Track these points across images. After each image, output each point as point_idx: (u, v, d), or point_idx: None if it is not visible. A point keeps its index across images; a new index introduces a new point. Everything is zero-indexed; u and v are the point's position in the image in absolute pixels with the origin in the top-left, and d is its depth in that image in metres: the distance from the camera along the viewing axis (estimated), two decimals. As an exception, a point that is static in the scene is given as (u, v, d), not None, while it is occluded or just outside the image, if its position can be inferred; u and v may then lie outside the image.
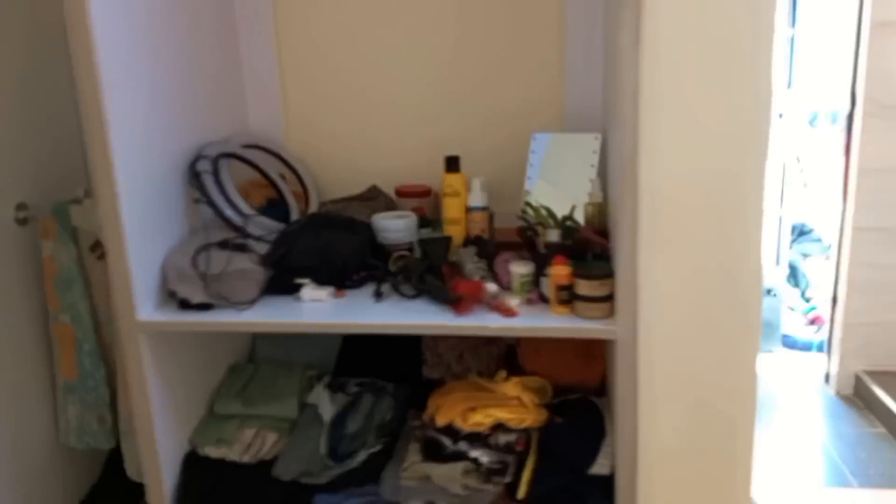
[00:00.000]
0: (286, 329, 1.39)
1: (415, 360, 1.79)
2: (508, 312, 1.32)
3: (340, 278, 1.50)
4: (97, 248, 1.68)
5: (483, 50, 1.77)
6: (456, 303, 1.35)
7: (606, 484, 1.37)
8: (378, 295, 1.46)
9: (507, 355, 1.78)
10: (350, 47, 1.82)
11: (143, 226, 1.38)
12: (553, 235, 1.38)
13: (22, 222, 1.70)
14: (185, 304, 1.41)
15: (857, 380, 2.95)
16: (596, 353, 1.66)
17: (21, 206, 1.70)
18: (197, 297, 1.40)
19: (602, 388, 1.65)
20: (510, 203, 1.69)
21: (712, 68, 1.11)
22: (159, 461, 1.46)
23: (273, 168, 1.76)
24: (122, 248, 1.33)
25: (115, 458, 1.98)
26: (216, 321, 1.39)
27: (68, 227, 1.67)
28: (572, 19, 1.70)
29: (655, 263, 1.20)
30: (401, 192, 1.81)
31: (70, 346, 1.72)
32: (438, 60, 1.80)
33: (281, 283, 1.47)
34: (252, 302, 1.43)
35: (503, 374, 1.52)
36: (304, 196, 1.82)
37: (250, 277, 1.44)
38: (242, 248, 1.49)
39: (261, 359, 1.85)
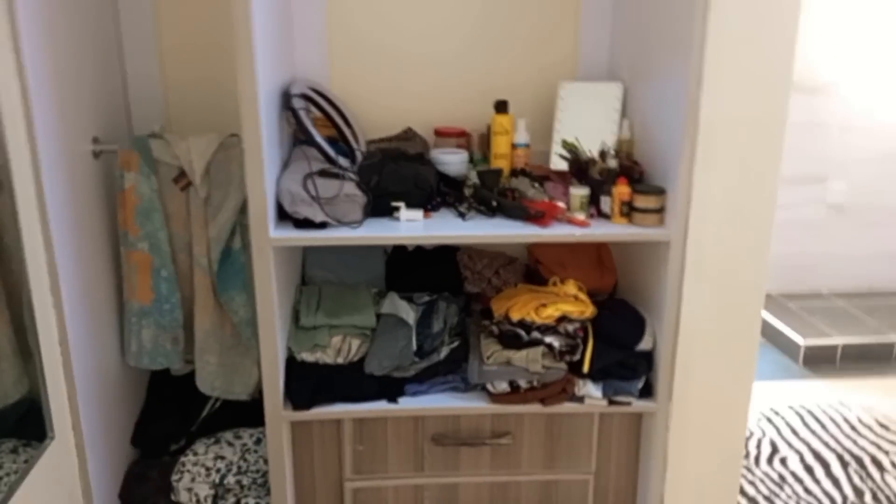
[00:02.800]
0: (395, 242, 1.65)
1: (454, 278, 2.08)
2: (583, 223, 1.67)
3: (425, 203, 1.76)
4: (180, 179, 1.81)
5: (508, 9, 2.06)
6: (537, 218, 1.67)
7: (650, 357, 1.77)
8: (461, 214, 1.74)
9: (526, 272, 2.13)
10: (391, 8, 2.04)
11: (269, 156, 1.57)
12: (612, 163, 1.73)
13: (97, 155, 1.79)
14: (305, 224, 1.62)
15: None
16: (609, 265, 2.05)
17: (96, 140, 1.78)
18: (318, 217, 1.62)
19: (614, 293, 2.04)
20: (534, 143, 2.01)
21: (759, 28, 1.50)
22: (278, 365, 1.67)
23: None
24: (261, 176, 1.52)
25: (158, 382, 2.12)
26: (337, 236, 1.62)
27: (149, 159, 1.79)
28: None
29: (706, 181, 1.58)
30: (441, 133, 2.08)
31: (147, 272, 1.85)
32: (467, 16, 2.07)
33: (377, 207, 1.71)
34: (360, 222, 1.67)
35: (556, 278, 1.86)
36: (354, 136, 2.03)
37: (355, 201, 1.67)
38: (339, 177, 1.71)
39: (311, 280, 2.05)
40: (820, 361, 3.29)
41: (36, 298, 1.51)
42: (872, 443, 2.67)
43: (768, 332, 3.48)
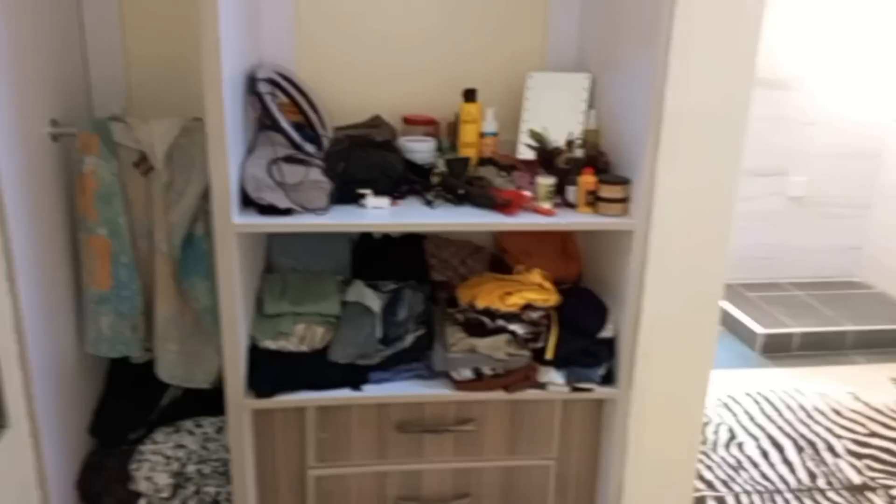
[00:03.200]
0: (360, 229, 1.65)
1: (420, 266, 2.08)
2: (548, 212, 1.68)
3: (392, 190, 1.76)
4: (141, 164, 1.77)
5: (473, 5, 2.06)
6: (504, 207, 1.68)
7: (612, 345, 1.79)
8: (428, 202, 1.74)
9: (492, 261, 2.13)
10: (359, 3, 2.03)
11: (232, 141, 1.55)
12: (579, 153, 1.74)
13: (55, 138, 1.74)
14: (270, 210, 1.60)
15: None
16: (573, 254, 2.06)
17: (54, 123, 1.74)
18: (282, 203, 1.60)
19: (579, 281, 2.06)
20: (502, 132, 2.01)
21: (724, 21, 1.52)
22: (239, 352, 1.66)
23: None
24: (225, 162, 1.50)
25: (117, 370, 2.09)
26: (302, 223, 1.60)
27: (110, 143, 1.75)
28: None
29: (669, 172, 1.61)
30: (409, 121, 2.07)
31: (106, 258, 1.81)
32: (437, 3, 2.06)
33: (343, 194, 1.70)
34: (325, 209, 1.65)
35: (521, 267, 1.87)
36: (321, 122, 2.01)
37: (321, 188, 1.66)
38: (305, 163, 1.69)
39: (276, 267, 2.04)
40: (777, 350, 3.37)
41: (-10, 283, 1.47)
42: (826, 428, 2.75)
43: (727, 321, 3.56)
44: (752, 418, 2.81)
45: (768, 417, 2.82)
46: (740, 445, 2.63)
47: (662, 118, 1.57)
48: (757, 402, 2.92)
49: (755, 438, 2.67)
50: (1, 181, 1.45)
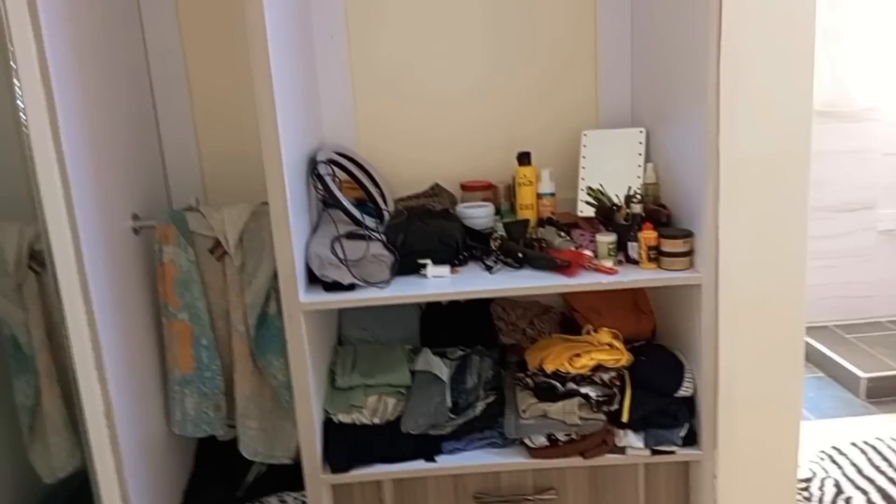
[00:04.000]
0: (422, 299, 1.67)
1: (487, 330, 2.08)
2: (611, 271, 1.66)
3: (452, 258, 1.78)
4: (216, 249, 1.87)
5: (528, 61, 2.10)
6: (564, 268, 1.67)
7: (691, 404, 1.73)
8: (489, 268, 1.75)
9: (562, 321, 2.11)
10: (412, 69, 2.10)
11: (296, 223, 1.61)
12: (637, 209, 1.72)
13: (136, 231, 1.86)
14: (334, 287, 1.65)
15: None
16: (646, 310, 2.02)
17: (135, 217, 1.86)
18: (346, 279, 1.65)
19: (653, 337, 2.00)
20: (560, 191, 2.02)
21: (772, 64, 1.49)
22: (314, 427, 1.69)
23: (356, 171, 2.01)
24: (289, 243, 1.56)
25: (205, 448, 2.15)
26: (365, 297, 1.64)
27: (186, 232, 1.86)
28: (603, 37, 2.07)
29: (733, 220, 1.56)
30: (466, 187, 2.10)
31: (188, 341, 1.90)
32: (488, 71, 2.11)
33: (404, 265, 1.73)
34: (387, 281, 1.69)
35: (589, 327, 1.84)
36: (381, 196, 2.07)
37: (382, 261, 1.70)
38: (365, 238, 1.74)
39: (347, 339, 2.08)
40: (883, 394, 3.14)
41: (80, 372, 1.57)
42: (945, 480, 2.52)
43: (827, 366, 3.35)
44: (859, 470, 2.61)
45: (877, 468, 2.61)
46: (848, 500, 2.45)
47: (720, 167, 1.54)
48: (864, 453, 2.72)
49: (864, 492, 2.48)
50: (87, 274, 1.55)
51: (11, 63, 1.44)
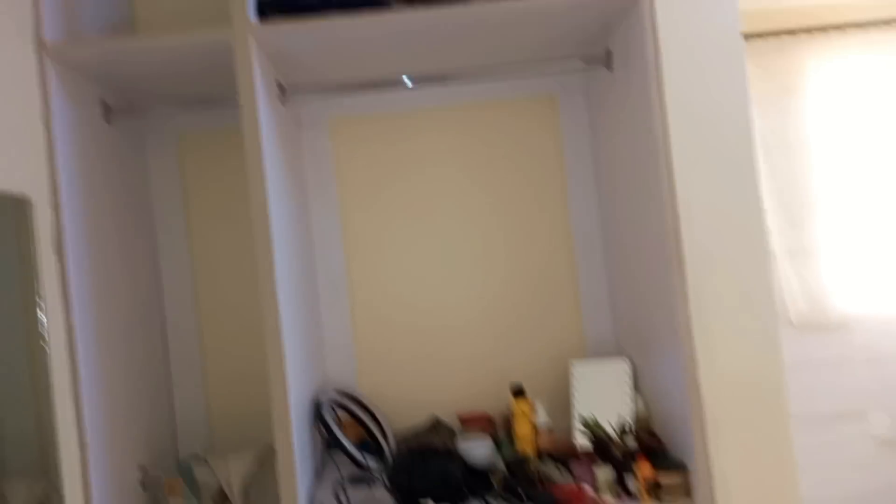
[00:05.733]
0: (427, 545, 1.66)
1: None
2: (611, 507, 1.68)
3: (453, 497, 1.80)
4: (219, 498, 1.89)
5: (515, 300, 2.27)
6: (565, 505, 1.70)
7: None
8: (491, 507, 1.77)
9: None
10: (407, 308, 2.26)
11: (302, 469, 1.66)
12: (631, 442, 1.79)
13: (143, 486, 1.89)
14: (338, 535, 1.66)
15: None
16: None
17: (143, 470, 1.90)
18: (349, 526, 1.66)
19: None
20: (554, 419, 2.09)
21: (734, 287, 1.64)
22: None
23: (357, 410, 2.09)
24: (294, 491, 1.60)
25: None
26: (369, 546, 1.64)
27: (192, 482, 1.89)
28: (581, 270, 2.26)
29: (725, 452, 1.62)
30: (464, 420, 2.17)
31: None
32: (479, 312, 2.27)
33: (407, 506, 1.75)
34: (391, 525, 1.70)
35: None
36: (382, 432, 2.13)
37: (385, 505, 1.72)
38: (368, 482, 1.78)
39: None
40: None
41: None
42: None
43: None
44: None
45: None
46: None
47: (701, 399, 1.63)
48: None
49: None
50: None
51: (40, 331, 1.57)
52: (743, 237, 1.68)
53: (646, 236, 1.83)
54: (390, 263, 2.27)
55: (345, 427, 2.03)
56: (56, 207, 1.62)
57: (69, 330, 1.60)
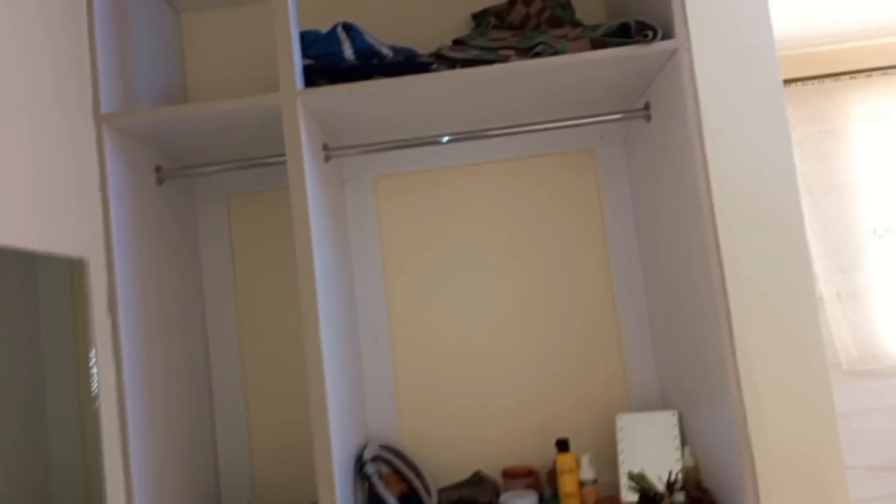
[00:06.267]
0: None
1: None
2: (661, 566, 1.64)
3: (499, 555, 1.77)
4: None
5: (557, 345, 2.25)
6: (614, 564, 1.66)
7: None
8: (537, 566, 1.74)
9: None
10: (450, 359, 2.27)
11: (346, 526, 1.66)
12: (680, 497, 1.75)
13: (188, 537, 1.91)
14: None
15: None
16: None
17: (188, 522, 1.92)
18: (395, 585, 1.64)
19: None
20: (600, 474, 2.05)
21: (780, 336, 1.61)
22: None
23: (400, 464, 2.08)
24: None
25: None
26: None
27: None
28: (624, 321, 2.24)
29: (776, 510, 1.58)
30: (508, 474, 2.14)
31: None
32: (523, 363, 2.26)
33: (452, 566, 1.73)
34: (436, 585, 1.68)
35: None
36: (425, 487, 2.11)
37: (431, 563, 1.70)
38: (413, 539, 1.76)
39: None
40: None
41: None
42: None
43: None
44: None
45: None
46: None
47: (754, 456, 1.59)
48: None
49: None
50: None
51: (92, 387, 1.62)
52: (789, 283, 1.66)
53: (690, 285, 1.82)
54: (432, 316, 2.29)
55: (387, 481, 2.03)
56: (110, 268, 1.68)
57: (119, 387, 1.64)
